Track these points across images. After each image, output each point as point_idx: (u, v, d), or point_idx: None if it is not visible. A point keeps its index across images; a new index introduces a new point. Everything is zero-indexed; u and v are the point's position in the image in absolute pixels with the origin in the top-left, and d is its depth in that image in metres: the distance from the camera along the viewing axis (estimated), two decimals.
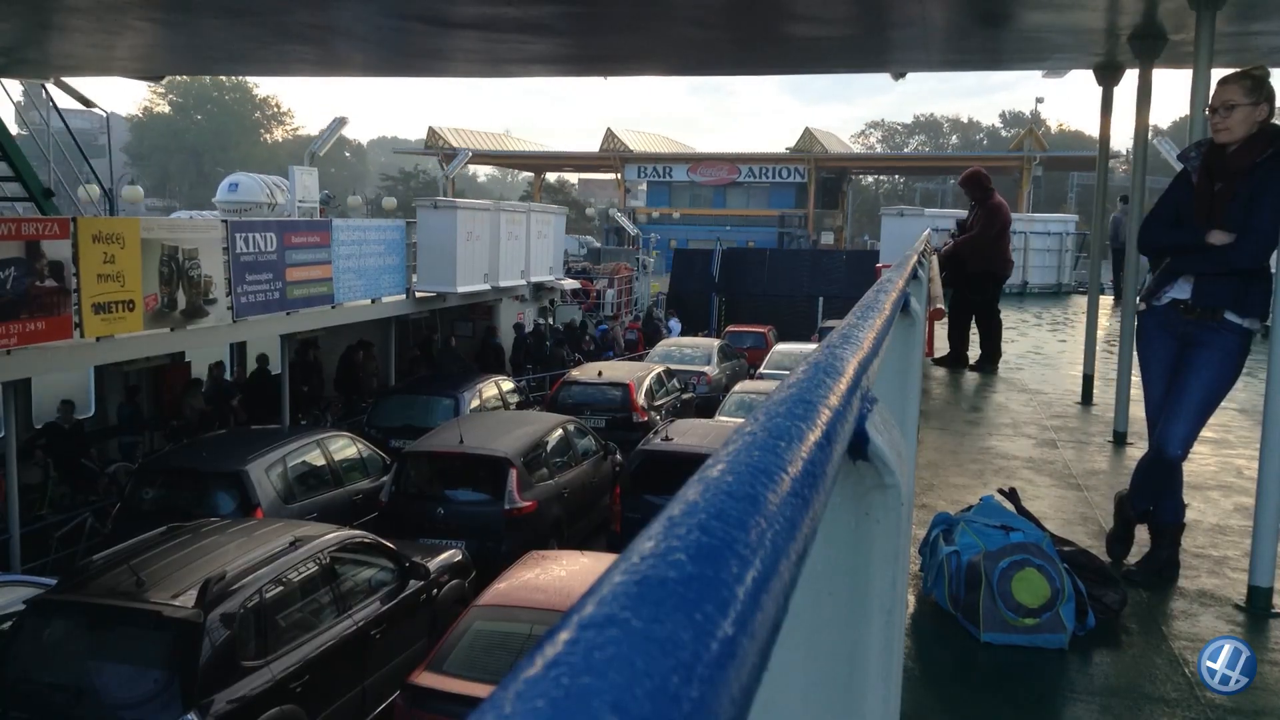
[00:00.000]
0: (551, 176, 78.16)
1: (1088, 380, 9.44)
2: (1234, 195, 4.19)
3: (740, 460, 0.66)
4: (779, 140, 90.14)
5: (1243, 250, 4.16)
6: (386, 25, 11.09)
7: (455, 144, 56.74)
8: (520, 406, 17.31)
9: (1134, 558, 4.64)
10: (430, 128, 62.14)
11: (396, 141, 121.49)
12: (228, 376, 16.67)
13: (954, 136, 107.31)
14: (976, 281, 10.71)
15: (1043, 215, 26.52)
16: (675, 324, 29.96)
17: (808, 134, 64.23)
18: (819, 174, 61.90)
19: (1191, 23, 6.11)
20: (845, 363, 1.14)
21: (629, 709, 0.37)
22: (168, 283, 12.51)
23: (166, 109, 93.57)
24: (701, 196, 65.00)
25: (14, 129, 14.72)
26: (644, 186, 67.20)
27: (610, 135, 64.68)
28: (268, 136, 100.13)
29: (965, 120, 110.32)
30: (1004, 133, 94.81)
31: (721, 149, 66.23)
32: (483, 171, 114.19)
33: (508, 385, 17.60)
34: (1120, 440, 7.64)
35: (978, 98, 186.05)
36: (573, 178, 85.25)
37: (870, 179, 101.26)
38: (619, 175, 64.45)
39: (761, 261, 35.01)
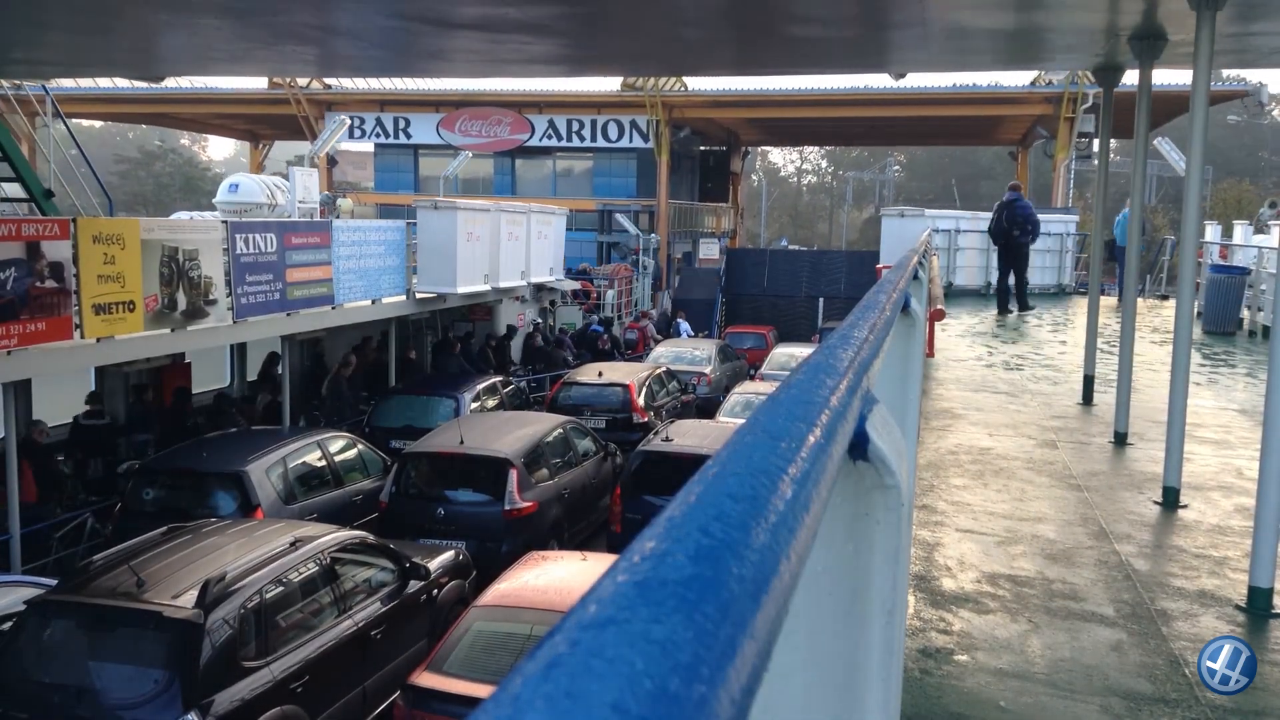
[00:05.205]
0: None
1: (1088, 381, 9.44)
2: None
3: (740, 461, 0.66)
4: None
5: None
6: (386, 25, 11.09)
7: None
8: (520, 407, 17.30)
9: None
10: None
11: None
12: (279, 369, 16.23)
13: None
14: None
15: (1043, 215, 26.41)
16: (685, 325, 29.93)
17: None
18: (675, 136, 35.94)
19: (1191, 23, 6.12)
20: (845, 363, 1.14)
21: (629, 710, 0.37)
22: (168, 283, 12.51)
23: None
24: (477, 178, 38.07)
25: None
26: (371, 154, 39.24)
27: None
28: None
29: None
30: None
31: (506, 87, 36.16)
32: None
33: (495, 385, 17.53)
34: (1120, 440, 7.63)
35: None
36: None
37: (789, 164, 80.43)
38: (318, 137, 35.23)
39: (761, 262, 35.05)
